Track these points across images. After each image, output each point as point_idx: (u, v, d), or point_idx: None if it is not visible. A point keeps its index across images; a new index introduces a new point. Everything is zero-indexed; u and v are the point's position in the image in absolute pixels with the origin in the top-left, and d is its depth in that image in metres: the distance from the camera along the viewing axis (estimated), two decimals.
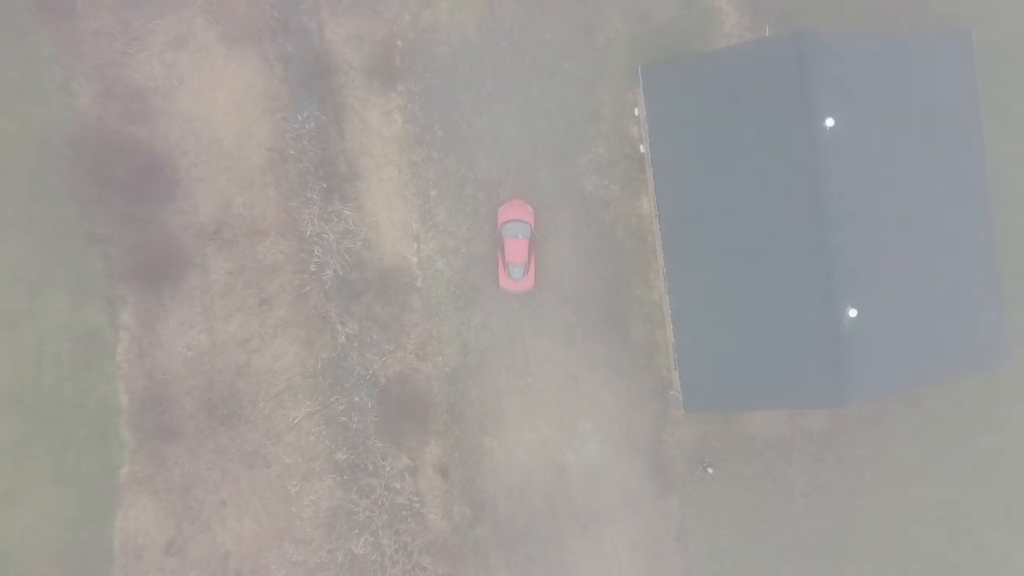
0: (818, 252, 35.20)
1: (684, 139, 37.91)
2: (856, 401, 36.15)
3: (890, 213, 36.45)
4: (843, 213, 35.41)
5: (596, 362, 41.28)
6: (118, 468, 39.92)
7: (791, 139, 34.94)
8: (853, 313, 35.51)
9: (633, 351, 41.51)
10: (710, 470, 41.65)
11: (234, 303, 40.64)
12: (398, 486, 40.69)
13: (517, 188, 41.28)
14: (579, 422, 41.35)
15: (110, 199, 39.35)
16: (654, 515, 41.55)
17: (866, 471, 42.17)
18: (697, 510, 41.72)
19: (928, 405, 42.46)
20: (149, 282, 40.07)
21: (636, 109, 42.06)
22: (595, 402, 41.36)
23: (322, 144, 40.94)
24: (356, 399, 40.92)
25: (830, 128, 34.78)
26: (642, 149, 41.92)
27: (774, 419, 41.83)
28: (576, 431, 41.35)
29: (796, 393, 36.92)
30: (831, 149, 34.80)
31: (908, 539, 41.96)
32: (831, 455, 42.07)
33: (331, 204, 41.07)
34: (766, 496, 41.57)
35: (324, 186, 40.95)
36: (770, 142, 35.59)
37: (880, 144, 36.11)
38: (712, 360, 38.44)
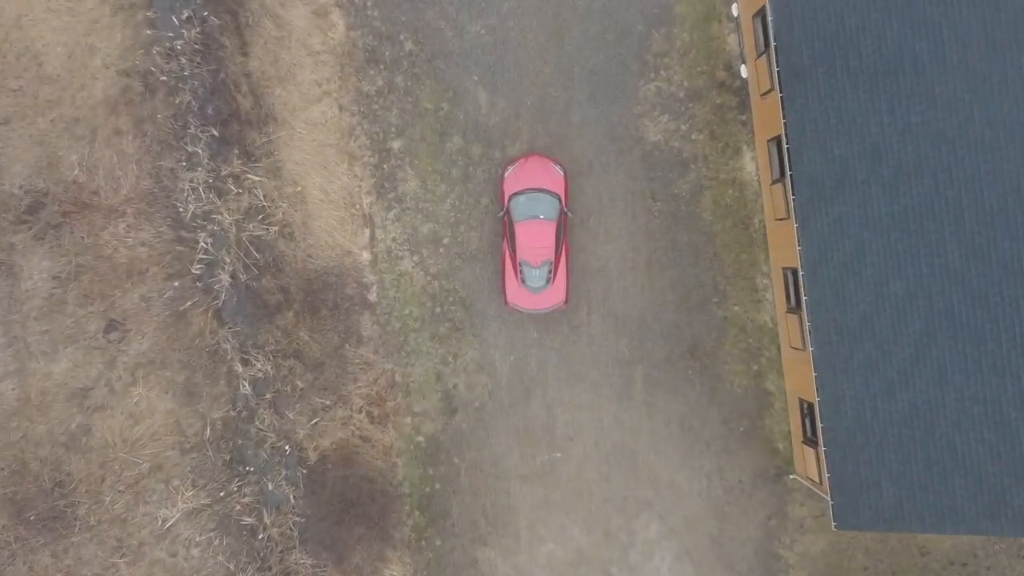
0: None
1: (837, 48, 26.58)
2: None
3: None
4: None
5: (666, 426, 33.18)
6: None
7: None
8: None
9: (728, 408, 33.10)
10: None
11: (63, 329, 33.95)
12: None
13: (536, 137, 33.38)
14: (638, 524, 32.94)
15: None
16: None
17: None
18: None
19: None
20: None
21: (734, 5, 31.82)
22: (664, 491, 32.98)
23: (212, 64, 33.85)
24: (270, 487, 34.02)
25: None
26: (744, 72, 31.90)
27: None
28: (633, 538, 32.97)
29: None
30: None
31: None
32: None
33: (227, 164, 33.71)
34: None
35: (215, 134, 33.90)
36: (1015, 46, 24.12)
37: None
38: (889, 437, 26.31)
